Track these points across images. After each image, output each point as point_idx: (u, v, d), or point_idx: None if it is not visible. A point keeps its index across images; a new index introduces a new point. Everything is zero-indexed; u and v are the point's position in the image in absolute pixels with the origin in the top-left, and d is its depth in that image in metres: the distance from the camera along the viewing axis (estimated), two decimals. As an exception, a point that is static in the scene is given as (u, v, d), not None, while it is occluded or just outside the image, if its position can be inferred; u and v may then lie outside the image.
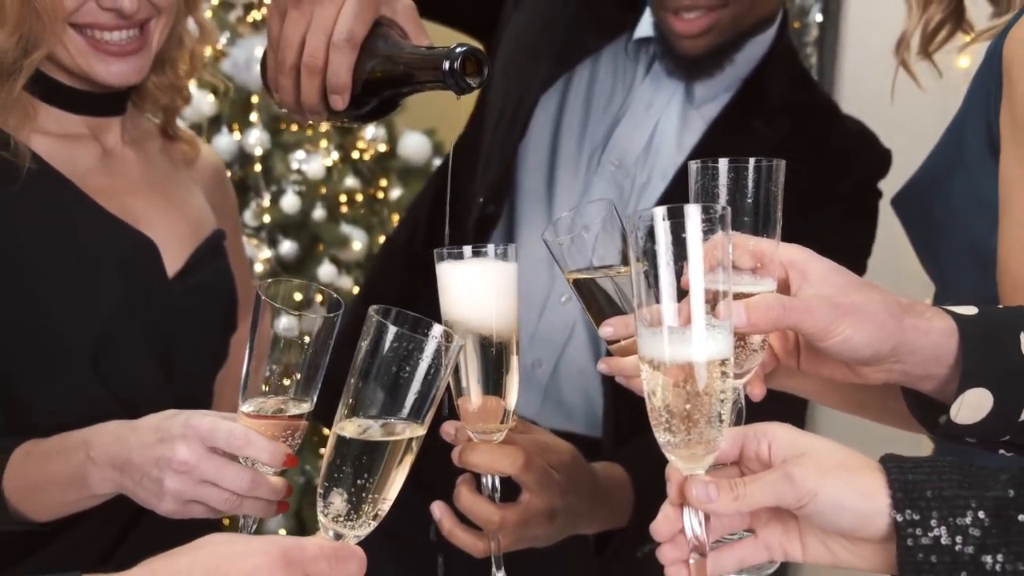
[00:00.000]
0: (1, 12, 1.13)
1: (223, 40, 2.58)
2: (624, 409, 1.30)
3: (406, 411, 0.78)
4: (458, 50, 0.96)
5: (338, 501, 0.81)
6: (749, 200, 0.83)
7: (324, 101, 1.04)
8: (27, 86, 1.19)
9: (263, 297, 0.96)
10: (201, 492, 0.98)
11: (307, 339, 0.96)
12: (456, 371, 0.95)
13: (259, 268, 2.57)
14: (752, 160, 0.80)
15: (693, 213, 0.67)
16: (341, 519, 0.80)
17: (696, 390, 0.68)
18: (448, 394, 0.96)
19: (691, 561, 0.70)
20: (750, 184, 0.82)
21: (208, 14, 2.46)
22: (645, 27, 1.41)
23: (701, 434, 0.68)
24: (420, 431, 0.80)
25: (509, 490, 1.03)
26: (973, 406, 0.78)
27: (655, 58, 1.41)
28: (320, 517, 0.81)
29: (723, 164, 0.81)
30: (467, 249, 0.94)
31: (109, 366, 1.16)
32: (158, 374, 1.20)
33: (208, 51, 1.52)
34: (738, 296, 0.76)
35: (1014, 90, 1.03)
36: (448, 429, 1.01)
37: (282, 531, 2.49)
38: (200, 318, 1.25)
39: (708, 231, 0.68)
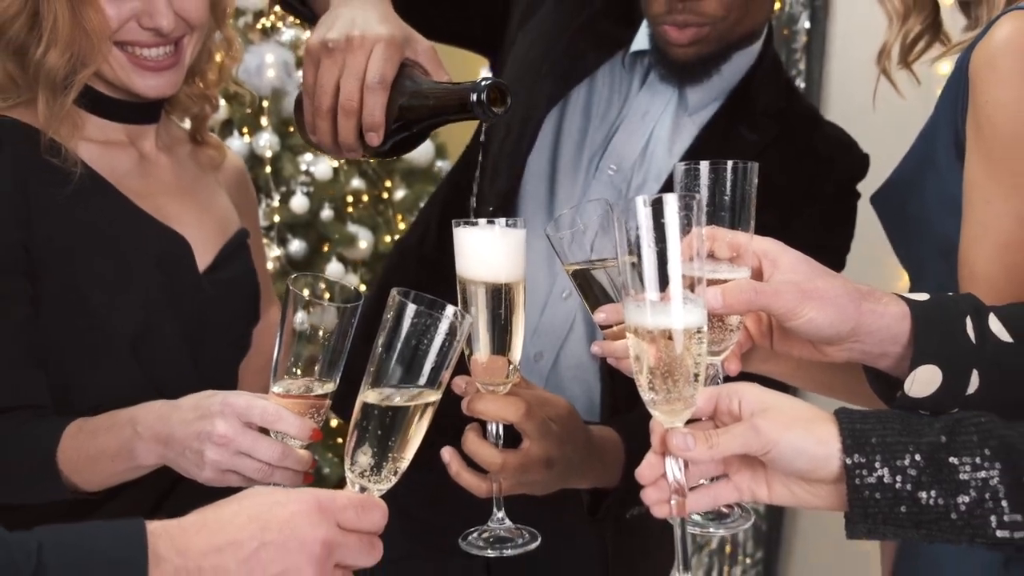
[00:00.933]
0: (53, 32, 1.22)
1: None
2: (620, 398, 1.39)
3: (423, 380, 0.88)
4: (483, 83, 1.06)
5: (363, 459, 0.91)
6: (727, 198, 0.92)
7: (360, 139, 1.13)
8: (74, 98, 1.27)
9: (292, 289, 1.05)
10: (237, 462, 1.07)
11: (330, 327, 1.06)
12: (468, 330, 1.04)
13: (269, 266, 2.61)
14: (730, 162, 0.89)
15: (671, 200, 0.78)
16: (366, 475, 0.90)
17: (674, 354, 0.78)
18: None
19: (672, 502, 0.80)
20: (728, 184, 0.92)
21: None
22: (641, 41, 1.49)
23: (680, 392, 0.79)
24: (435, 396, 0.90)
25: (511, 442, 1.13)
26: (924, 381, 0.88)
27: (650, 69, 1.49)
28: (348, 474, 0.90)
29: (704, 166, 0.91)
30: (481, 220, 1.05)
31: (146, 352, 1.25)
32: (189, 360, 1.29)
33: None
34: (717, 282, 0.86)
35: (977, 100, 1.12)
36: (459, 383, 1.10)
37: None
38: (227, 310, 1.34)
39: (685, 217, 0.78)
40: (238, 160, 1.58)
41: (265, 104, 2.68)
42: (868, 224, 1.56)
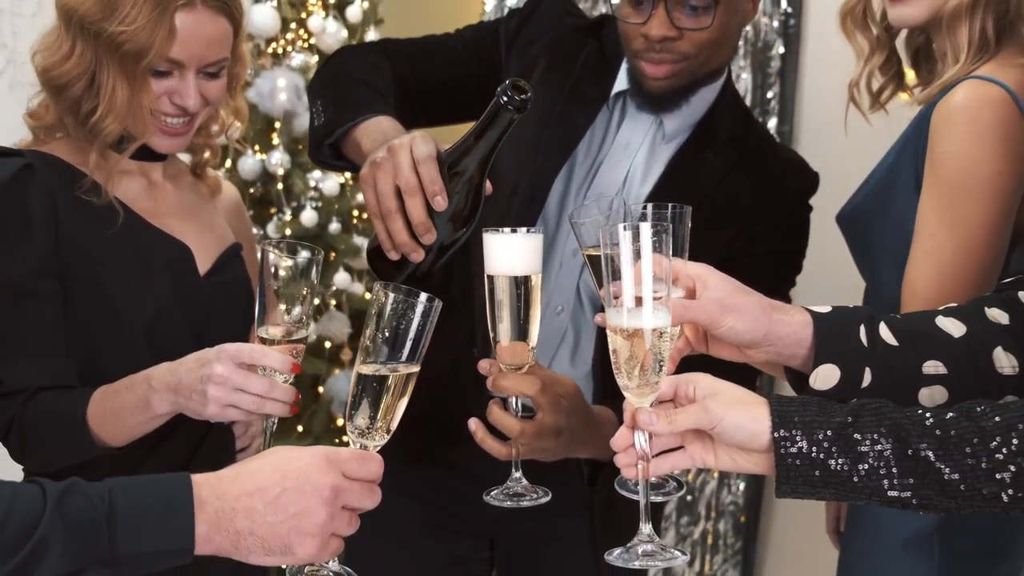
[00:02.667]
0: (111, 102, 1.44)
1: (248, 71, 2.81)
2: (607, 401, 1.57)
3: (404, 355, 1.10)
4: (502, 87, 1.27)
5: (360, 421, 1.11)
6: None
7: (430, 218, 1.31)
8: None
9: (267, 248, 1.29)
10: (234, 397, 1.28)
11: (301, 279, 1.30)
12: (494, 320, 1.28)
13: (282, 274, 2.77)
14: (670, 205, 1.10)
15: (645, 228, 0.97)
16: (363, 434, 1.11)
17: (644, 349, 0.97)
18: (486, 337, 1.33)
19: (639, 466, 1.00)
20: (668, 222, 1.12)
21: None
22: (621, 82, 1.66)
23: (647, 379, 0.98)
24: (415, 368, 1.11)
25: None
26: (825, 377, 1.09)
27: (627, 103, 1.66)
28: (349, 434, 1.11)
29: (650, 207, 1.13)
30: (505, 228, 1.28)
31: (157, 342, 1.44)
32: (193, 348, 1.46)
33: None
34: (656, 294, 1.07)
35: (935, 149, 1.34)
36: (484, 365, 1.32)
37: None
38: (225, 306, 1.53)
39: (656, 241, 0.98)
40: (234, 190, 1.79)
41: (277, 125, 2.76)
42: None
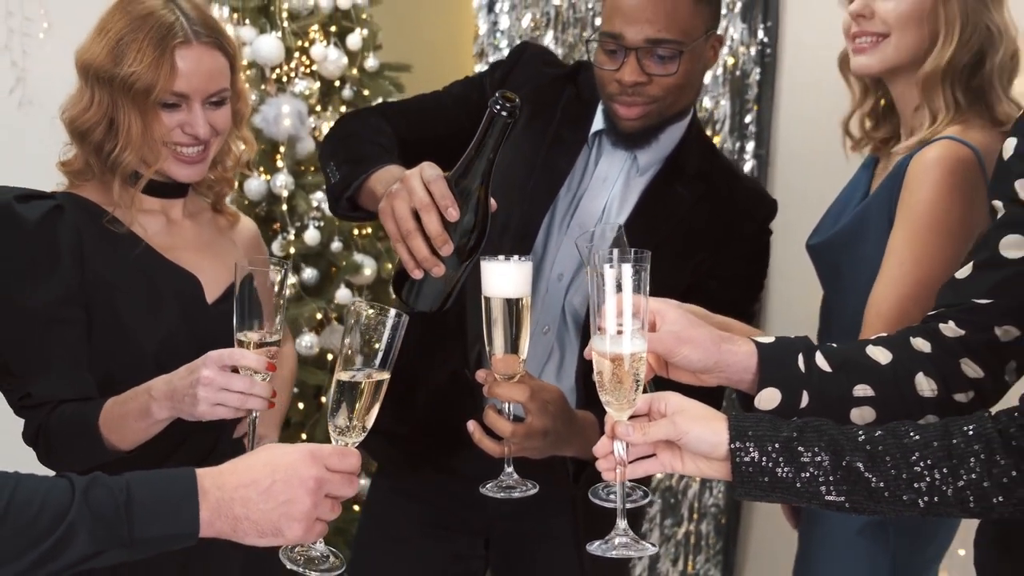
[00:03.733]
0: (128, 137, 1.62)
1: (253, 97, 2.82)
2: (589, 407, 1.69)
3: (377, 364, 1.25)
4: (493, 98, 1.41)
5: (340, 420, 1.25)
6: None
7: (444, 231, 1.43)
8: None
9: (242, 265, 1.45)
10: (221, 396, 1.43)
11: (270, 292, 1.46)
12: (490, 335, 1.42)
13: (286, 292, 2.85)
14: (634, 250, 1.22)
15: (627, 269, 1.12)
16: (343, 432, 1.25)
17: (623, 371, 1.12)
18: (478, 358, 1.52)
19: (617, 470, 1.14)
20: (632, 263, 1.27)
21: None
22: (598, 122, 1.81)
23: (626, 396, 1.13)
24: (386, 375, 1.26)
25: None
26: (768, 399, 1.26)
27: (603, 140, 1.81)
28: (330, 433, 1.26)
29: (616, 252, 1.25)
30: (500, 256, 1.42)
31: (165, 362, 1.57)
32: None
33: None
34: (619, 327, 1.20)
35: (908, 196, 1.54)
36: (481, 375, 1.48)
37: None
38: (229, 332, 1.63)
39: (636, 281, 1.13)
40: (252, 224, 1.95)
41: (282, 149, 2.86)
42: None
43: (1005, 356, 1.31)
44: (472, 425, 1.53)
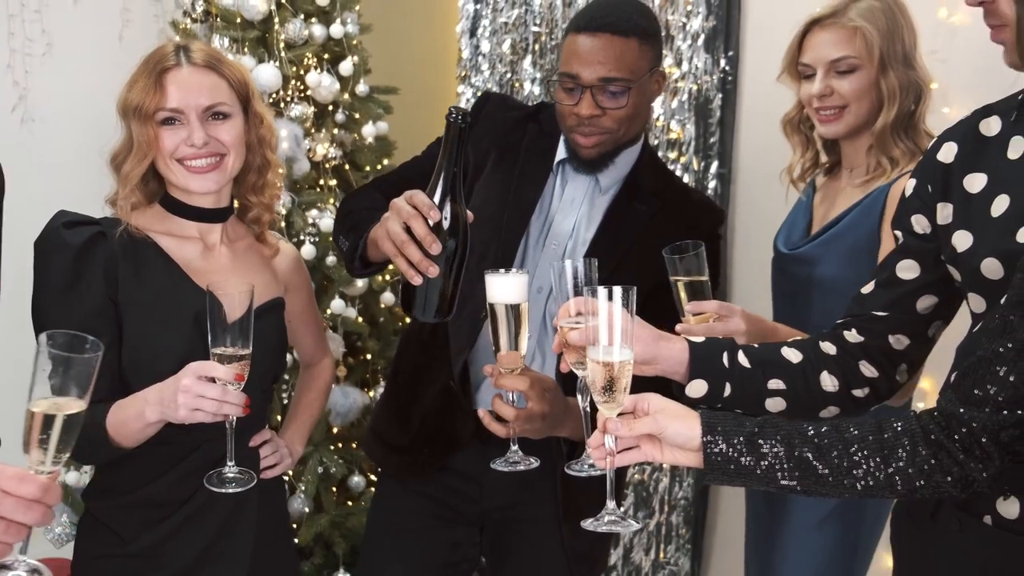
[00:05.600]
0: (136, 148, 1.77)
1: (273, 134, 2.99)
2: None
3: (74, 394, 1.24)
4: (448, 113, 1.63)
5: (35, 455, 1.21)
6: (584, 285, 1.52)
7: (431, 233, 1.63)
8: (164, 204, 1.83)
9: (211, 290, 1.60)
10: (198, 403, 1.58)
11: (238, 313, 1.60)
12: (495, 335, 1.62)
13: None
14: (584, 259, 1.47)
15: (617, 293, 1.33)
16: (37, 464, 1.23)
17: (614, 375, 1.33)
18: (462, 373, 1.74)
19: (607, 459, 1.33)
20: (583, 273, 1.50)
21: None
22: (561, 152, 2.03)
23: (615, 397, 1.33)
24: (77, 408, 1.23)
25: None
26: (697, 389, 1.48)
27: (567, 168, 2.03)
28: (27, 461, 1.23)
29: (572, 263, 1.51)
30: (501, 270, 1.61)
31: None
32: None
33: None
34: (576, 328, 1.44)
35: (890, 213, 1.75)
36: (488, 368, 1.68)
37: (306, 509, 2.94)
38: (253, 350, 1.71)
39: (625, 300, 1.33)
40: (294, 250, 2.08)
41: (280, 171, 2.89)
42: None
43: (896, 360, 1.54)
44: (482, 412, 1.75)
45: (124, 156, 1.81)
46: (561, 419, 1.78)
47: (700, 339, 1.52)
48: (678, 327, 1.74)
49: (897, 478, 1.29)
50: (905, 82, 1.96)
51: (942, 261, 1.49)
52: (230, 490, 1.73)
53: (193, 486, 1.81)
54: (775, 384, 1.51)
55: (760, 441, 1.31)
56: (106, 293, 1.75)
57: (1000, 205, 1.38)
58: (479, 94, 3.21)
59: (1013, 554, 1.36)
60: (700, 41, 3.05)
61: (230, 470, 1.74)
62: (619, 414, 1.35)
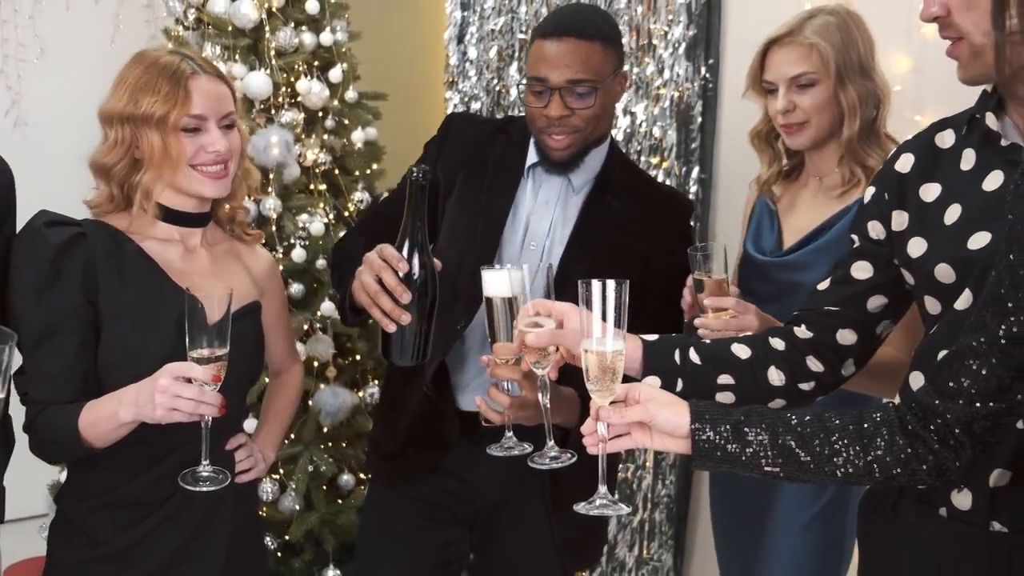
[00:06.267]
0: (150, 160, 1.80)
1: (243, 127, 3.04)
2: None
3: None
4: (408, 170, 1.74)
5: None
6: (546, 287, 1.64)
7: (401, 283, 1.73)
8: (150, 210, 1.84)
9: (190, 293, 1.62)
10: (175, 402, 1.59)
11: (216, 317, 1.62)
12: (491, 328, 1.70)
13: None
14: (547, 266, 1.57)
15: (611, 285, 1.40)
16: None
17: (606, 364, 1.40)
18: (434, 379, 1.82)
19: (599, 445, 1.39)
20: (546, 284, 1.62)
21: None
22: (532, 157, 2.10)
23: (608, 385, 1.39)
24: None
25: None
26: (650, 383, 1.53)
27: (539, 170, 2.10)
28: None
29: (525, 269, 1.61)
30: (497, 265, 1.68)
31: None
32: None
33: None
34: (538, 325, 1.54)
35: None
36: (484, 359, 1.75)
37: (297, 507, 2.99)
38: (231, 352, 1.73)
39: (617, 296, 1.40)
40: (270, 257, 2.11)
41: (271, 175, 2.99)
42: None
43: (844, 355, 1.61)
44: (479, 400, 1.83)
45: (128, 166, 1.82)
46: (552, 406, 1.84)
47: (654, 337, 1.59)
48: (696, 321, 1.84)
49: (875, 466, 1.34)
50: (864, 92, 2.05)
51: (894, 264, 1.56)
52: (204, 489, 1.73)
53: (171, 487, 1.82)
54: (724, 379, 1.58)
55: (746, 429, 1.36)
56: (84, 294, 1.76)
57: (953, 214, 1.46)
58: (449, 113, 3.29)
59: (966, 544, 1.42)
60: (681, 49, 3.13)
61: (204, 469, 1.74)
62: (611, 402, 1.40)
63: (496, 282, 1.72)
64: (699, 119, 3.14)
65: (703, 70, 3.11)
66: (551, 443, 1.68)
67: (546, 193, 2.10)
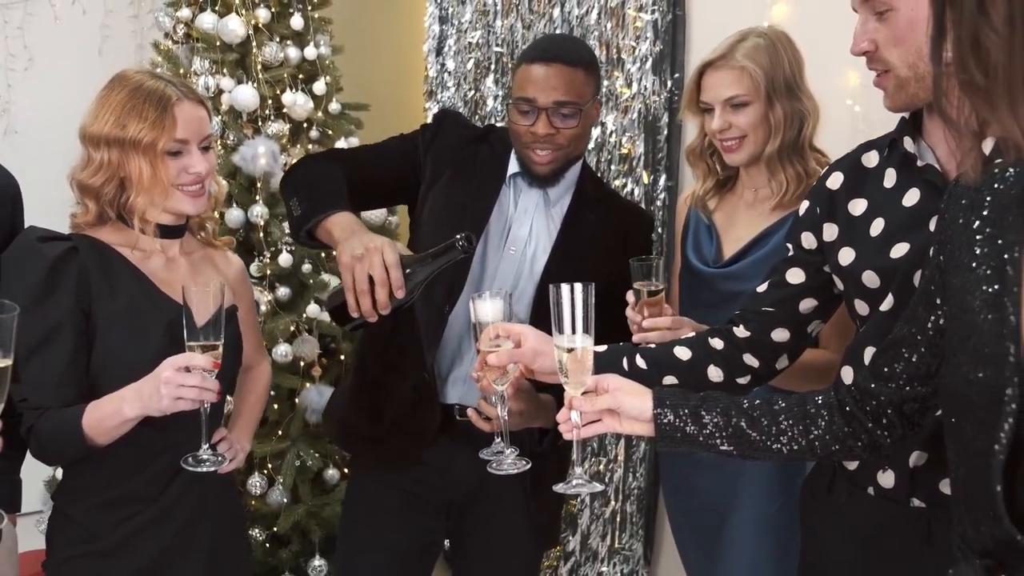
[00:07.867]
0: (140, 184, 1.88)
1: (231, 138, 3.11)
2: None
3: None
4: (457, 236, 1.85)
5: None
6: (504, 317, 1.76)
7: (389, 299, 1.84)
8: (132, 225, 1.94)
9: (188, 288, 1.72)
10: (180, 391, 1.68)
11: (211, 310, 1.74)
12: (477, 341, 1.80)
13: (263, 308, 3.02)
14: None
15: (579, 288, 1.53)
16: None
17: (577, 359, 1.53)
18: (432, 368, 1.94)
19: (573, 432, 1.52)
20: (511, 309, 1.71)
21: (219, 119, 3.08)
22: (513, 166, 2.24)
23: (579, 377, 1.53)
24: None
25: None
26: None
27: (519, 181, 2.23)
28: None
29: (495, 295, 1.71)
30: (485, 293, 1.79)
31: None
32: None
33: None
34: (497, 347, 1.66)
35: None
36: (474, 375, 1.84)
37: (284, 500, 3.09)
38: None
39: (584, 298, 1.53)
40: (240, 262, 2.20)
41: (258, 184, 3.08)
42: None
43: (779, 351, 1.76)
44: (471, 411, 1.96)
45: (115, 187, 1.89)
46: (535, 414, 1.98)
47: (603, 348, 1.72)
48: (635, 338, 1.94)
49: (817, 443, 1.48)
50: (789, 111, 2.16)
51: (824, 271, 1.70)
52: (204, 469, 1.82)
53: (164, 484, 1.90)
54: (669, 380, 1.72)
55: (702, 412, 1.49)
56: (77, 305, 1.82)
57: (877, 226, 1.61)
58: (437, 110, 3.41)
59: (891, 518, 1.58)
60: (648, 64, 3.24)
61: (204, 452, 1.83)
62: (583, 393, 1.53)
63: (483, 309, 1.81)
64: (665, 130, 3.24)
65: (669, 83, 3.22)
66: (509, 450, 1.82)
67: (525, 203, 2.23)
